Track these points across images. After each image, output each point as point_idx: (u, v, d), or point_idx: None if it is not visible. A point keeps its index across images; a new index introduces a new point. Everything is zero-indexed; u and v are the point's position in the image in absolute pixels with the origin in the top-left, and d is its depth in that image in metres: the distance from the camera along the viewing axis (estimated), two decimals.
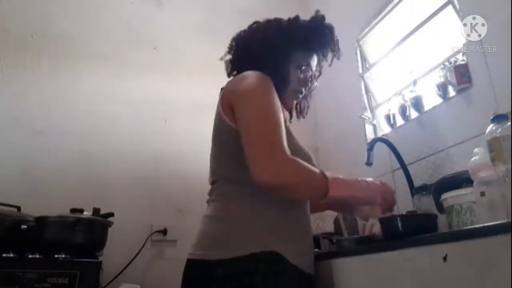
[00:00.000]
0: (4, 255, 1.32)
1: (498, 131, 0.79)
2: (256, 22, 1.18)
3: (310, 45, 1.15)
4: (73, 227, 1.46)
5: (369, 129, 2.03)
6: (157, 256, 1.95)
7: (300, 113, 1.27)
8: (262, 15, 1.19)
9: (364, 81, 2.12)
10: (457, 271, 0.70)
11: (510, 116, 0.80)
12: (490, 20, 1.35)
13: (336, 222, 1.55)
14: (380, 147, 1.61)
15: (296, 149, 1.02)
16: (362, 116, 2.02)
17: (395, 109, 1.82)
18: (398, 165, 1.57)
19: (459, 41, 1.50)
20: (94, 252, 1.54)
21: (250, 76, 1.03)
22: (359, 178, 1.04)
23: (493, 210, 0.79)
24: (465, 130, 1.40)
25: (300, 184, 0.92)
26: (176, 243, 1.97)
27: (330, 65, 1.22)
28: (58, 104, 2.01)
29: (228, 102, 1.01)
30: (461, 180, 1.01)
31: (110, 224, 1.61)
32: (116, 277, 1.72)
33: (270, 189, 0.89)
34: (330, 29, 1.15)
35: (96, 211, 1.57)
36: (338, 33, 1.17)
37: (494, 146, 0.79)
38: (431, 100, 1.63)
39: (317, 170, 0.94)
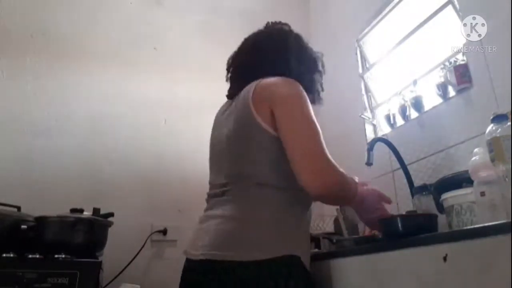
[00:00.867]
0: (4, 255, 1.31)
1: (498, 131, 0.79)
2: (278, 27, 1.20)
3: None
4: (73, 227, 1.46)
5: (369, 129, 2.02)
6: (157, 256, 1.95)
7: None
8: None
9: (364, 81, 2.12)
10: (457, 271, 0.70)
11: (510, 116, 0.80)
12: (490, 20, 1.35)
13: (336, 222, 1.55)
14: (380, 147, 1.61)
15: None
16: (362, 116, 2.02)
17: (395, 109, 1.82)
18: (398, 165, 1.57)
19: (459, 41, 1.50)
20: (94, 252, 1.53)
21: (292, 83, 1.03)
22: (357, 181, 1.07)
23: (493, 210, 0.80)
24: (465, 130, 1.40)
25: (345, 197, 1.02)
26: (176, 243, 1.97)
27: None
28: (58, 104, 2.01)
29: (262, 100, 1.00)
30: (461, 180, 1.00)
31: (110, 224, 1.61)
32: (116, 277, 1.71)
33: (320, 197, 0.96)
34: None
35: (96, 211, 1.57)
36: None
37: (494, 146, 0.79)
38: (431, 100, 1.63)
39: (353, 180, 1.02)
